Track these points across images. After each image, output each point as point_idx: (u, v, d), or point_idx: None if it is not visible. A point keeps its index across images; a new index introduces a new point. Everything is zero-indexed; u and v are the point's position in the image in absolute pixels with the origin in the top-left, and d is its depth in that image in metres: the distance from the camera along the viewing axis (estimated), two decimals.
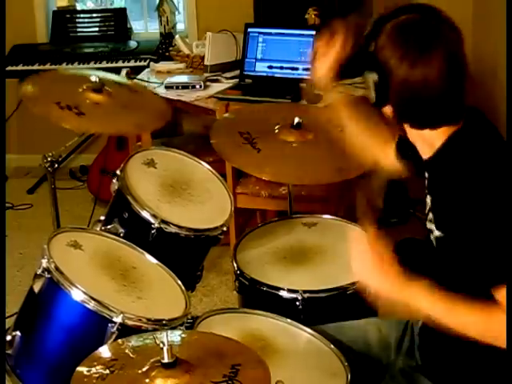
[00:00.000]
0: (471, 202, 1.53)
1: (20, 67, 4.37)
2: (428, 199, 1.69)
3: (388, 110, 1.62)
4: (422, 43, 1.54)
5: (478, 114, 1.65)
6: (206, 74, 3.78)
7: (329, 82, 1.99)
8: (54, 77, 2.70)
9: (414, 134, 1.66)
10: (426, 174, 1.74)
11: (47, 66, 4.35)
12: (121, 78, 3.15)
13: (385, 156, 1.99)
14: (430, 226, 1.66)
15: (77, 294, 1.85)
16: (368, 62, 1.58)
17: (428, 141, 1.64)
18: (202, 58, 3.89)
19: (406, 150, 1.85)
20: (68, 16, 4.72)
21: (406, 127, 1.65)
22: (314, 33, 3.46)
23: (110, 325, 1.83)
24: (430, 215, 1.66)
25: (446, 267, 1.63)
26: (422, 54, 1.53)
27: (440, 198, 1.62)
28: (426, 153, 1.66)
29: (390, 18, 1.60)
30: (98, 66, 4.28)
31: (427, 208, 1.69)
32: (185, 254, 2.33)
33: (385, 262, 1.59)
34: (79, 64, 4.33)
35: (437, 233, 1.62)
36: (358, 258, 1.65)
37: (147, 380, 1.45)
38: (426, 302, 1.54)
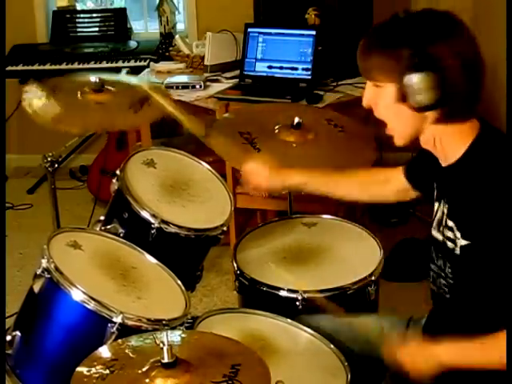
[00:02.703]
0: (501, 208, 1.53)
1: (20, 67, 4.38)
2: (440, 206, 1.69)
3: (431, 114, 1.59)
4: (466, 34, 1.56)
5: (487, 122, 1.66)
6: (206, 74, 3.78)
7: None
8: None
9: (444, 137, 1.63)
10: (435, 183, 1.73)
11: (47, 66, 4.35)
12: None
13: (386, 191, 2.04)
14: (451, 233, 1.65)
15: (76, 294, 1.85)
16: (415, 66, 1.53)
17: (454, 144, 1.63)
18: (202, 58, 3.89)
19: (417, 169, 1.89)
20: (68, 16, 4.72)
21: (441, 130, 1.62)
22: (314, 33, 3.47)
23: (109, 325, 1.83)
24: (450, 223, 1.65)
25: (473, 275, 1.63)
26: (472, 44, 1.56)
27: (464, 204, 1.61)
28: (448, 159, 1.65)
29: (423, 20, 1.58)
30: (98, 66, 4.29)
31: (437, 214, 1.70)
32: (185, 253, 2.33)
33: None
34: (79, 64, 4.33)
35: (463, 242, 1.61)
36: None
37: (147, 380, 1.45)
38: (447, 357, 1.61)
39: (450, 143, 1.63)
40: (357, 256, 2.33)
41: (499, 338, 1.54)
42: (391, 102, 1.60)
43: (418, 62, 1.53)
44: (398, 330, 1.93)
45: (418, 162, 1.89)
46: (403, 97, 1.57)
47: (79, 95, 2.49)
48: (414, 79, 1.53)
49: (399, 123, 1.65)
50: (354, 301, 2.16)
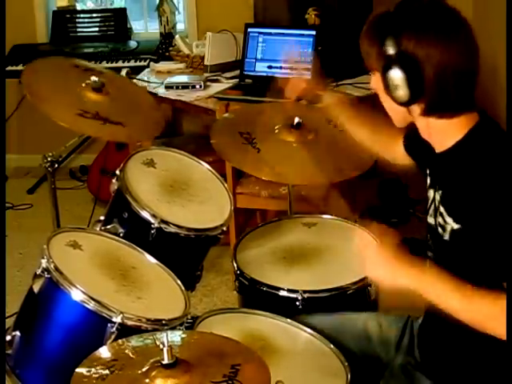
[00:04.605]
0: (493, 193, 1.52)
1: (20, 67, 4.37)
2: (434, 193, 1.69)
3: (416, 107, 1.60)
4: (443, 25, 1.55)
5: (486, 113, 1.66)
6: (206, 74, 3.78)
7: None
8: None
9: (436, 128, 1.63)
10: (428, 170, 1.73)
11: None
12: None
13: (393, 151, 2.00)
14: (441, 219, 1.64)
15: (76, 294, 1.85)
16: (391, 61, 1.55)
17: (448, 134, 1.62)
18: (202, 58, 3.90)
19: (413, 145, 1.87)
20: (68, 16, 4.73)
21: (430, 121, 1.62)
22: (314, 33, 3.47)
23: (109, 325, 1.83)
24: (441, 209, 1.64)
25: (460, 260, 1.62)
26: (447, 35, 1.54)
27: (457, 189, 1.60)
28: (442, 146, 1.65)
29: (402, 13, 1.57)
30: (97, 66, 4.28)
31: (433, 202, 1.69)
32: (185, 253, 2.33)
33: (392, 251, 1.60)
34: None
35: (455, 225, 1.60)
36: (367, 253, 1.64)
37: (147, 380, 1.45)
38: (433, 286, 1.54)
39: (443, 134, 1.63)
40: (357, 256, 2.32)
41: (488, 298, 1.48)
42: (382, 91, 1.62)
43: (396, 58, 1.54)
44: (396, 328, 1.93)
45: (414, 138, 1.85)
46: (386, 89, 1.59)
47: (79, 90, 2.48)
48: (391, 74, 1.56)
49: (390, 111, 1.68)
50: (354, 301, 2.16)
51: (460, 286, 1.50)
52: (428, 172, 1.74)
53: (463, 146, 1.61)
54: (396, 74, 1.55)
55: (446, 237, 1.64)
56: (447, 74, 1.54)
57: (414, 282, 1.56)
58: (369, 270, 1.64)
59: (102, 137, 2.57)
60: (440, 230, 1.66)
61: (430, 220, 1.71)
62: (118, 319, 1.83)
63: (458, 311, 1.50)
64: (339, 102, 2.19)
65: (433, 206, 1.69)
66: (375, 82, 1.65)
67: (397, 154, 1.99)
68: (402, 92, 1.56)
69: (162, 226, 2.23)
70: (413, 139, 1.84)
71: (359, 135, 2.12)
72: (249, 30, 3.61)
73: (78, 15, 4.75)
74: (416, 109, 1.61)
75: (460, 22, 1.57)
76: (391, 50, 1.55)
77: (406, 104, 1.59)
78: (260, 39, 3.59)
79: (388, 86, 1.58)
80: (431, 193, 1.70)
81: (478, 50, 1.58)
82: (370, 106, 1.81)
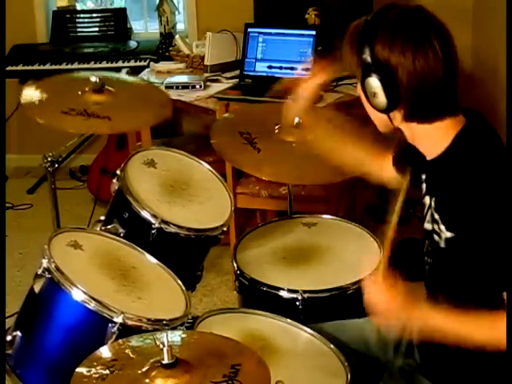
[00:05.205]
0: (484, 200, 1.53)
1: (20, 67, 4.38)
2: (428, 200, 1.69)
3: (396, 113, 1.61)
4: (415, 32, 1.55)
5: (477, 114, 1.66)
6: (206, 74, 3.78)
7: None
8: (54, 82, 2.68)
9: (420, 134, 1.64)
10: (424, 176, 1.74)
11: (47, 66, 4.35)
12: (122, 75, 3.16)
13: (380, 167, 2.00)
14: (436, 226, 1.65)
15: (77, 294, 1.85)
16: (367, 69, 1.57)
17: (434, 140, 1.63)
18: (202, 58, 3.90)
19: (404, 159, 1.87)
20: (68, 16, 4.72)
21: (413, 127, 1.64)
22: (314, 33, 3.47)
23: (110, 325, 1.83)
24: (436, 216, 1.65)
25: (456, 268, 1.63)
26: (419, 42, 1.54)
27: (448, 197, 1.61)
28: (431, 153, 1.66)
29: (377, 21, 1.59)
30: (98, 66, 4.29)
31: (429, 208, 1.70)
32: (185, 253, 2.33)
33: (398, 299, 1.64)
34: (79, 64, 4.33)
35: (448, 234, 1.62)
36: (376, 303, 1.65)
37: (147, 380, 1.45)
38: (437, 320, 1.58)
39: (428, 139, 1.64)
40: (357, 256, 2.33)
41: (496, 319, 1.52)
42: (364, 98, 1.63)
43: (371, 66, 1.56)
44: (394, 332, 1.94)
45: (404, 153, 1.86)
46: (365, 96, 1.61)
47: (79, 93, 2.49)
48: (368, 82, 1.58)
49: (373, 118, 1.69)
50: (353, 301, 2.16)
51: (461, 321, 1.54)
52: (424, 178, 1.74)
53: (451, 153, 1.61)
54: (373, 82, 1.57)
55: (442, 244, 1.65)
56: (421, 81, 1.55)
57: (421, 325, 1.60)
58: (380, 321, 1.65)
59: (78, 131, 2.59)
60: (436, 237, 1.66)
61: (428, 226, 1.71)
62: (118, 319, 1.83)
63: (465, 343, 1.54)
64: (325, 128, 2.19)
65: (429, 212, 1.70)
66: (359, 89, 1.66)
67: (385, 170, 1.99)
68: (380, 99, 1.58)
69: (163, 226, 2.23)
70: (403, 152, 1.85)
71: (345, 156, 2.10)
72: (249, 30, 3.61)
73: (78, 15, 4.75)
74: (397, 115, 1.62)
75: (434, 29, 1.57)
76: (367, 59, 1.57)
77: (386, 111, 1.61)
78: (260, 39, 3.59)
79: (367, 94, 1.60)
80: (427, 199, 1.71)
81: (455, 56, 1.58)
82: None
